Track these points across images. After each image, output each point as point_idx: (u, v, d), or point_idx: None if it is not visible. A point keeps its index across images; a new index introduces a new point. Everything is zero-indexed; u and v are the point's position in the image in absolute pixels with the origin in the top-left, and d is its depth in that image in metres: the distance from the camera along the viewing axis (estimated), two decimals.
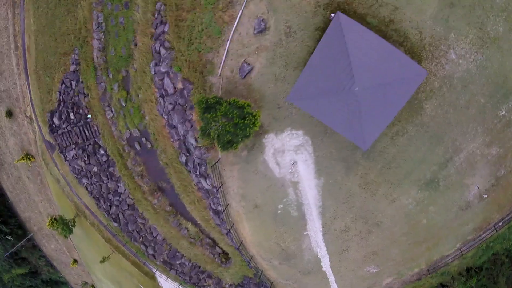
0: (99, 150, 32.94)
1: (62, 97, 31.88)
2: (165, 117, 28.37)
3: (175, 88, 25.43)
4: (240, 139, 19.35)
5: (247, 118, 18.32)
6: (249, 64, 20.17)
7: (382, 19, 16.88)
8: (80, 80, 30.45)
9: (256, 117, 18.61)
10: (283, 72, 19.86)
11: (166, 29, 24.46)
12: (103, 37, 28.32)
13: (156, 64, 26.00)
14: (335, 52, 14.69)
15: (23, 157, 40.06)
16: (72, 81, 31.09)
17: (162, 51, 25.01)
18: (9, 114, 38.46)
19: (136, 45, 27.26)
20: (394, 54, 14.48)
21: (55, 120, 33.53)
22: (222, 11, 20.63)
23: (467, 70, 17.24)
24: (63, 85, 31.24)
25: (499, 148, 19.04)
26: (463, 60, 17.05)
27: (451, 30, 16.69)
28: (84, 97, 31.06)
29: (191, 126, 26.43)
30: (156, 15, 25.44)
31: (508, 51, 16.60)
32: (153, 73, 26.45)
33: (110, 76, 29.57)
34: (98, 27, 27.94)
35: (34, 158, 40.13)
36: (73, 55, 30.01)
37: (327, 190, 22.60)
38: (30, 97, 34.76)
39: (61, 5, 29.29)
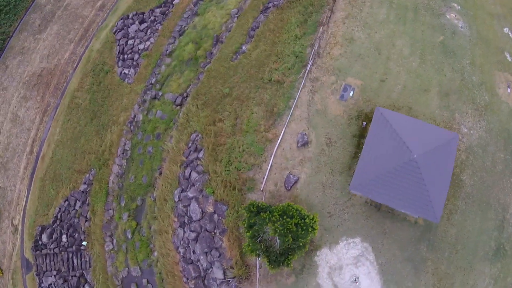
0: (84, 286, 26.64)
1: (61, 214, 28.69)
2: (181, 250, 25.07)
3: (203, 212, 23.99)
4: (297, 248, 16.93)
5: (306, 218, 17.00)
6: (294, 175, 21.01)
7: None
8: (87, 202, 28.21)
9: (314, 219, 17.25)
10: (330, 179, 20.78)
11: (200, 155, 25.79)
12: (125, 163, 28.34)
13: (182, 191, 25.48)
14: (384, 135, 17.33)
15: None
16: (77, 201, 28.62)
17: (194, 175, 25.23)
18: None
19: (161, 173, 27.40)
20: (429, 127, 18.67)
21: (44, 237, 28.51)
22: (264, 132, 23.39)
23: (479, 137, 20.93)
24: (66, 203, 28.72)
25: None
26: (473, 130, 21.15)
27: (455, 111, 21.56)
28: (86, 221, 27.78)
29: (219, 255, 23.03)
30: (190, 144, 27.45)
31: (499, 110, 21.78)
32: (176, 200, 25.42)
33: (122, 204, 27.40)
34: (123, 153, 28.54)
35: (2, 273, 30.49)
36: (87, 175, 28.81)
37: None
38: (25, 206, 31.10)
39: (92, 125, 30.93)
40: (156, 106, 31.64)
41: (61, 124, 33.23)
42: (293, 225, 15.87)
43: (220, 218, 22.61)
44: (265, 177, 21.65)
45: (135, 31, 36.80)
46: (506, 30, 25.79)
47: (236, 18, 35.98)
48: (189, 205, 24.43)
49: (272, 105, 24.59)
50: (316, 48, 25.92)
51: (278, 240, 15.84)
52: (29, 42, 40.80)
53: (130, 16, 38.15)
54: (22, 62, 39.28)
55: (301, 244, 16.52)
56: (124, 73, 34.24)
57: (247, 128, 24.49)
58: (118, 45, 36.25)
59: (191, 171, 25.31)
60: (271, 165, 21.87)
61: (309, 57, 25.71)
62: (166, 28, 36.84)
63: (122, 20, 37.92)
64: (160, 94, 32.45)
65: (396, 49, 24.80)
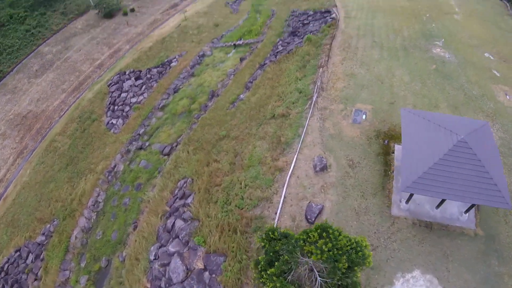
0: None
1: (8, 266, 22.67)
2: None
3: (188, 271, 17.43)
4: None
5: (353, 242, 11.40)
6: (317, 204, 16.22)
7: None
8: (42, 257, 21.61)
9: (364, 244, 11.17)
10: (363, 203, 15.98)
11: (189, 201, 20.92)
12: (94, 217, 22.51)
13: (160, 246, 19.37)
14: (420, 129, 15.00)
15: None
16: (30, 253, 22.34)
17: (179, 224, 19.65)
18: None
19: (135, 227, 21.59)
20: (459, 118, 17.73)
21: None
22: (272, 161, 19.59)
23: (500, 138, 19.48)
24: (17, 253, 22.79)
25: None
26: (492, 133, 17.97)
27: None
28: (35, 279, 20.90)
29: None
30: (176, 192, 22.75)
31: (506, 113, 21.65)
32: (152, 258, 19.05)
33: (82, 265, 20.46)
34: (94, 204, 23.01)
35: None
36: (49, 225, 22.70)
37: None
38: None
39: (66, 171, 26.64)
40: (141, 156, 28.00)
41: (33, 165, 29.09)
42: (344, 243, 10.37)
43: (214, 275, 15.99)
44: (278, 211, 16.57)
45: (130, 85, 36.80)
46: (487, 54, 28.44)
47: (232, 76, 37.06)
48: (168, 263, 17.79)
49: (278, 136, 21.65)
50: (319, 84, 25.18)
51: (318, 274, 9.92)
52: (23, 84, 40.87)
53: (127, 73, 39.02)
54: (11, 101, 38.29)
55: (354, 278, 10.48)
56: (112, 123, 32.25)
57: (250, 163, 20.70)
58: (111, 96, 35.64)
59: (175, 220, 19.72)
60: (285, 197, 17.16)
61: (313, 91, 24.60)
62: (161, 85, 37.04)
63: (118, 75, 38.64)
64: (147, 144, 29.36)
65: (396, 78, 24.81)
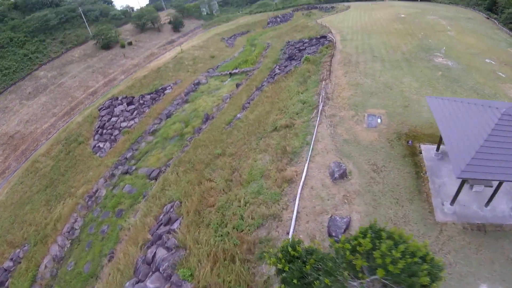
0: None
1: None
2: None
3: None
4: None
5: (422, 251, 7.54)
6: (342, 217, 12.59)
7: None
8: (6, 285, 18.71)
9: (428, 253, 7.45)
10: (400, 211, 12.33)
11: (175, 226, 17.02)
12: (68, 245, 18.74)
13: (137, 282, 14.91)
14: (455, 111, 12.81)
15: None
16: None
17: (161, 253, 15.43)
18: None
19: (111, 259, 17.24)
20: (486, 101, 16.92)
21: None
22: (278, 172, 16.29)
23: None
24: None
25: None
26: None
27: None
28: None
29: None
30: (160, 217, 18.86)
31: None
32: None
33: None
34: (70, 231, 19.27)
35: None
36: (19, 250, 19.46)
37: None
38: None
39: (45, 193, 23.60)
40: (126, 180, 24.43)
41: (11, 186, 26.08)
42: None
43: None
44: (291, 230, 12.73)
45: (121, 110, 35.00)
46: (487, 60, 27.75)
47: (228, 99, 35.32)
48: None
49: (282, 147, 18.63)
50: (323, 94, 23.13)
51: None
52: (14, 104, 39.72)
53: (119, 98, 37.47)
54: (0, 119, 36.46)
55: None
56: (98, 146, 29.78)
57: (250, 177, 17.30)
58: (100, 120, 33.89)
59: (157, 249, 15.55)
60: (298, 212, 13.52)
61: (319, 101, 22.41)
62: (154, 111, 35.11)
63: (110, 100, 37.46)
64: (133, 168, 26.05)
65: (405, 84, 23.12)
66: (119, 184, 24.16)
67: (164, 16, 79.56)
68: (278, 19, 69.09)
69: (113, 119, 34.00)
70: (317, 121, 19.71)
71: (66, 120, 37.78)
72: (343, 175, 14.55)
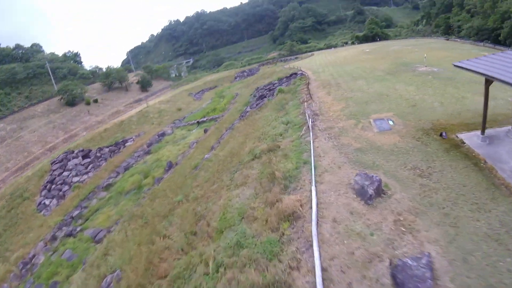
0: None
1: None
2: None
3: None
4: None
5: None
6: (414, 261, 6.21)
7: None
8: None
9: None
10: (491, 218, 6.36)
11: None
12: None
13: None
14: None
15: None
16: None
17: None
18: None
19: None
20: None
21: None
22: (269, 207, 9.90)
23: None
24: None
25: None
26: None
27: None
28: None
29: None
30: None
31: None
32: None
33: None
34: None
35: None
36: None
37: None
38: None
39: None
40: (68, 244, 18.33)
41: None
42: None
43: None
44: None
45: (75, 164, 30.98)
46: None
47: (195, 144, 29.72)
48: None
49: (268, 174, 12.54)
50: (309, 112, 18.59)
51: None
52: None
53: (75, 151, 33.41)
54: None
55: None
56: (44, 203, 25.67)
57: (224, 224, 10.64)
58: (51, 174, 29.77)
59: None
60: (324, 269, 6.91)
61: (306, 118, 17.67)
62: (111, 163, 29.78)
63: (65, 154, 33.03)
64: (78, 229, 20.18)
65: (401, 90, 19.81)
66: (60, 248, 18.81)
67: (133, 77, 78.85)
68: (245, 73, 69.97)
69: (65, 173, 29.95)
70: (311, 136, 14.43)
71: (19, 175, 33.87)
72: (379, 191, 8.62)
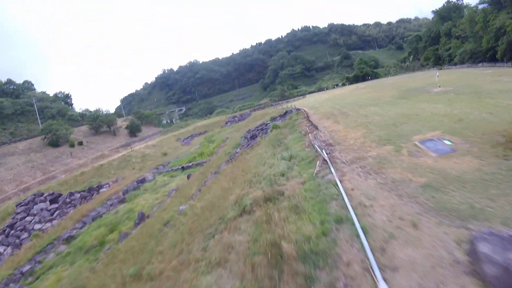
0: None
1: None
2: None
3: None
4: None
5: None
6: None
7: None
8: None
9: None
10: None
11: None
12: None
13: None
14: None
15: None
16: None
17: None
18: None
19: None
20: None
21: None
22: None
23: None
24: None
25: None
26: None
27: None
28: None
29: None
30: None
31: None
32: None
33: None
34: None
35: None
36: None
37: None
38: None
39: None
40: None
41: None
42: None
43: None
44: None
45: (41, 209, 26.72)
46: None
47: (174, 192, 23.80)
48: None
49: (267, 244, 6.75)
50: (318, 143, 13.65)
51: None
52: None
53: (44, 195, 28.89)
54: None
55: None
56: None
57: None
58: (13, 218, 25.89)
59: None
60: None
61: (317, 149, 12.62)
62: (79, 212, 24.52)
63: (33, 196, 28.89)
64: None
65: (429, 108, 16.11)
66: None
67: (122, 121, 75.13)
68: (236, 118, 67.05)
69: (28, 218, 26.27)
70: (334, 173, 9.14)
71: None
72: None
